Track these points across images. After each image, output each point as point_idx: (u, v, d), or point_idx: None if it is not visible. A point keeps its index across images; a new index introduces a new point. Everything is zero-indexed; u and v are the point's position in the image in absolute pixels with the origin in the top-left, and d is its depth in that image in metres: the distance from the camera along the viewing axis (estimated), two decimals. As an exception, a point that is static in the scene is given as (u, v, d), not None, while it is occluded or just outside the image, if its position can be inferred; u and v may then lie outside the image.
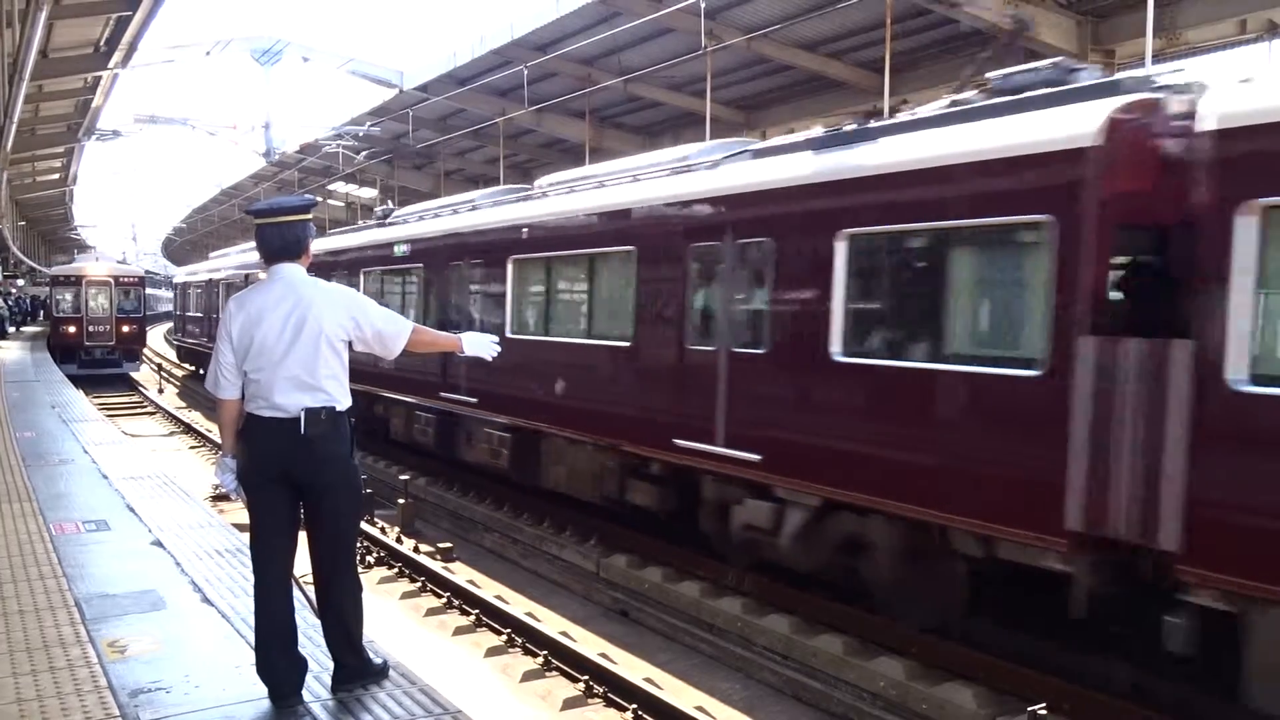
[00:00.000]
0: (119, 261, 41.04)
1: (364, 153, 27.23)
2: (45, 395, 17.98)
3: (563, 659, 8.00)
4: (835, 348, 7.59)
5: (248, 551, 4.54)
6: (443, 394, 13.52)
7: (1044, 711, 6.01)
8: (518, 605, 9.49)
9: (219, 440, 4.49)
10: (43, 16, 9.17)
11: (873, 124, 8.29)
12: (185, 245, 65.95)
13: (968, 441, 6.69)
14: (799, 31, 15.84)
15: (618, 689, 7.35)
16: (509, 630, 8.74)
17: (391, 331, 4.36)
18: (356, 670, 4.53)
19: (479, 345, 4.64)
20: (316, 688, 4.51)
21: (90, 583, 6.21)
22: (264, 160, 33.61)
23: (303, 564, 4.38)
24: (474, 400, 12.85)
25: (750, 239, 8.47)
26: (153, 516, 8.22)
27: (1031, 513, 6.23)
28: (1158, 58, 13.01)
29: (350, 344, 4.31)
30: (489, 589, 10.03)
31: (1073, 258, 6.06)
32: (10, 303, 48.80)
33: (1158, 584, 5.86)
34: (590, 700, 7.46)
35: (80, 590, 6.04)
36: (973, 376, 6.71)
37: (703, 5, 13.63)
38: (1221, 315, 5.36)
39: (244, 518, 4.46)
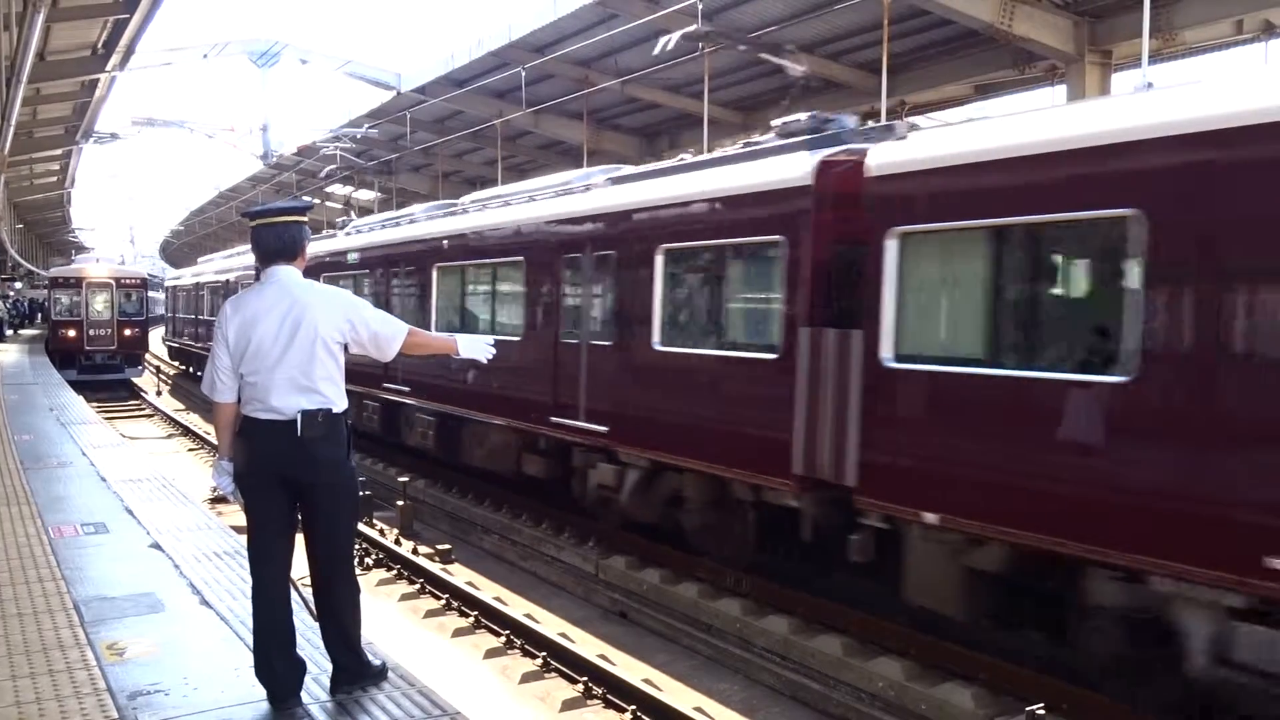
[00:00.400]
0: (120, 263, 39.95)
1: (364, 154, 27.25)
2: (43, 398, 17.97)
3: (562, 660, 8.01)
4: (656, 339, 9.54)
5: (245, 554, 4.54)
6: (385, 385, 15.15)
7: (1042, 712, 6.02)
8: (517, 607, 9.50)
9: (216, 443, 4.49)
10: (40, 19, 9.16)
11: (688, 159, 10.61)
12: (183, 248, 65.94)
13: (737, 411, 8.58)
14: (796, 33, 15.84)
15: (616, 690, 7.35)
16: (508, 632, 8.74)
17: (387, 334, 4.37)
18: (355, 672, 4.54)
19: (474, 348, 4.65)
20: (315, 689, 4.52)
21: (89, 585, 6.22)
22: (262, 162, 33.65)
23: (300, 566, 4.39)
24: (408, 390, 14.72)
25: (602, 251, 10.42)
26: (151, 519, 8.22)
27: (775, 463, 8.03)
28: (1154, 58, 13.05)
29: (346, 346, 4.32)
30: (488, 590, 10.04)
31: (795, 268, 7.98)
32: (8, 305, 48.78)
33: (850, 512, 7.59)
34: (589, 701, 7.46)
35: (79, 593, 6.04)
36: (739, 360, 8.71)
37: (700, 6, 13.63)
38: (877, 311, 7.19)
39: (242, 520, 4.47)
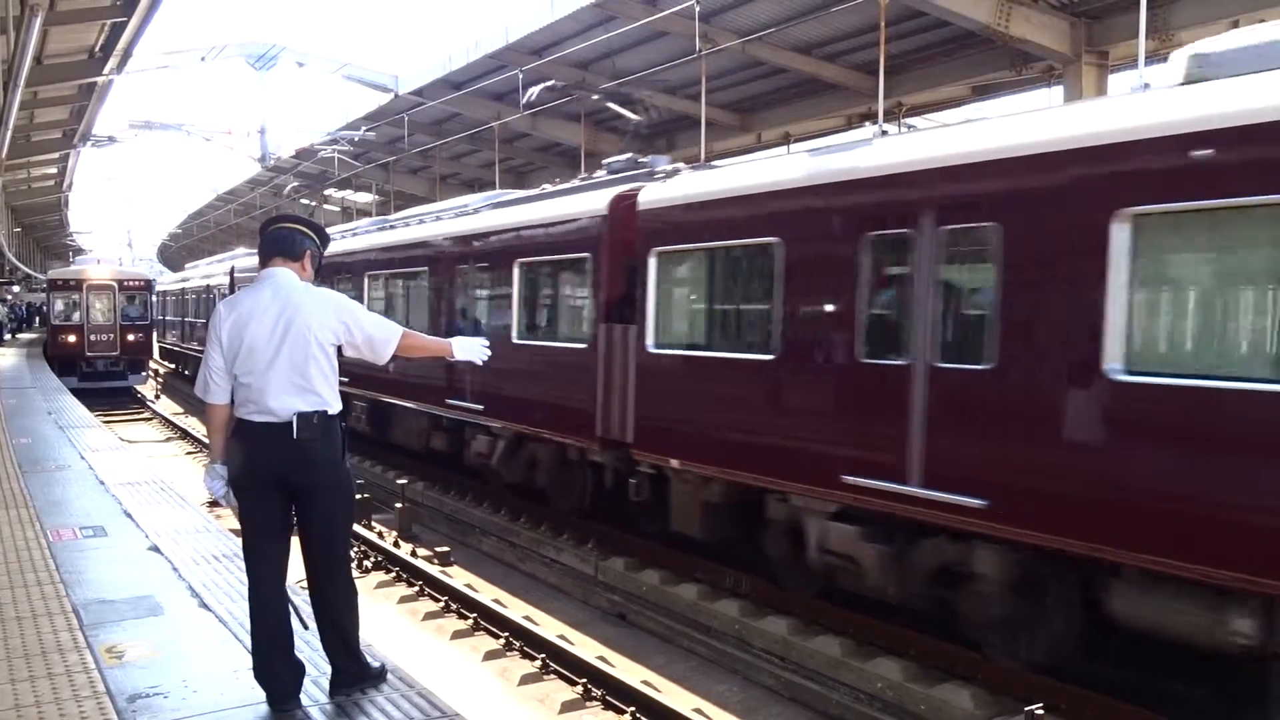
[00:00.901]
0: (121, 264, 37.69)
1: (362, 156, 27.25)
2: (41, 401, 17.96)
3: (561, 662, 8.01)
4: (514, 334, 12.02)
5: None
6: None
7: (1041, 712, 6.03)
8: (516, 609, 9.50)
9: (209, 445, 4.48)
10: (38, 22, 9.16)
11: (547, 188, 13.15)
12: (181, 251, 65.91)
13: (565, 389, 10.99)
14: (794, 34, 15.87)
15: (616, 691, 7.35)
16: (507, 633, 8.74)
17: (381, 337, 4.37)
18: (354, 674, 4.54)
19: (470, 349, 4.65)
20: (314, 692, 4.52)
21: (87, 589, 6.21)
22: (259, 165, 33.63)
23: (296, 570, 4.39)
24: (346, 380, 15.37)
25: (483, 264, 12.94)
26: (150, 522, 8.22)
27: (587, 428, 10.53)
28: (1151, 59, 13.04)
29: (340, 348, 4.33)
30: (487, 592, 10.04)
31: (597, 278, 10.54)
32: (6, 310, 48.74)
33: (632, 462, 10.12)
34: (588, 703, 7.46)
35: (77, 596, 6.04)
36: (566, 349, 11.11)
37: (697, 8, 13.65)
38: (644, 310, 9.79)
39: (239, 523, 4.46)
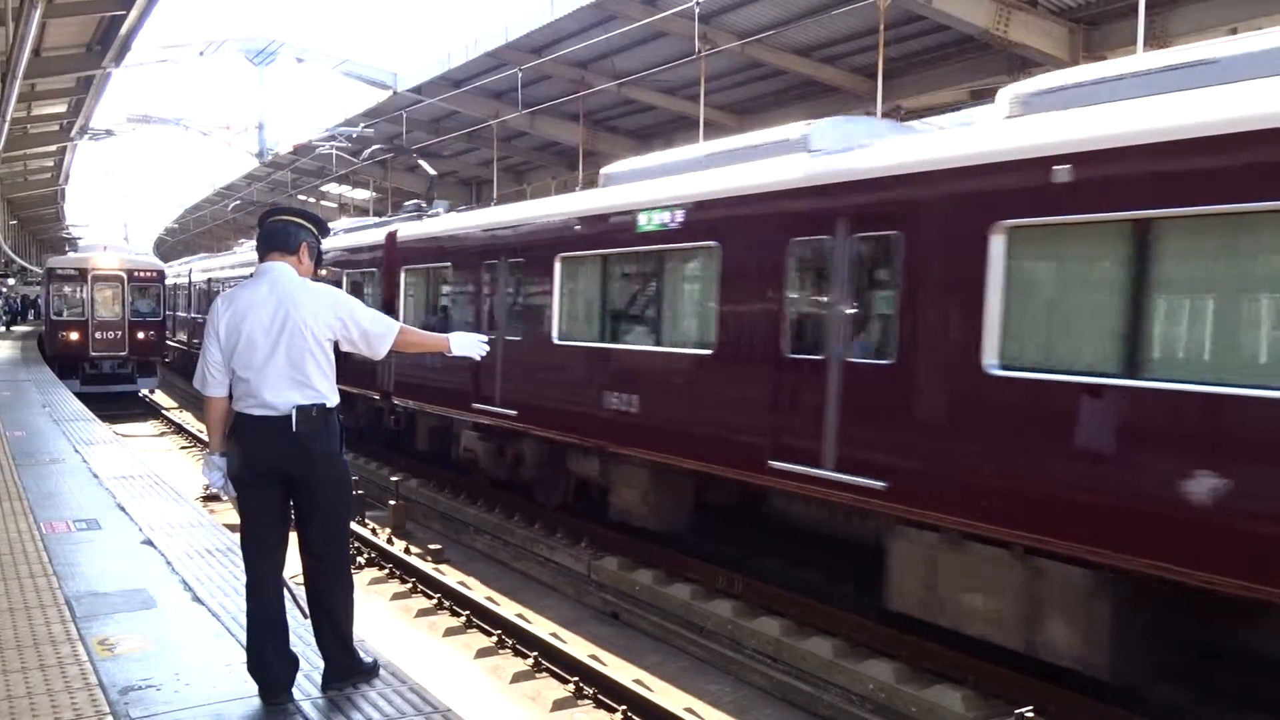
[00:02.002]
0: (131, 251, 31.91)
1: (364, 152, 27.19)
2: (36, 394, 17.93)
3: (553, 660, 8.02)
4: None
5: (238, 551, 4.54)
6: None
7: (1031, 714, 6.06)
8: (508, 607, 9.51)
9: (207, 439, 4.49)
10: (36, 14, 9.15)
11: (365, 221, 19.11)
12: (178, 245, 65.78)
13: (369, 363, 12.77)
14: (793, 36, 15.89)
15: (607, 690, 7.36)
16: (499, 631, 8.75)
17: (378, 332, 4.38)
18: (346, 669, 4.54)
19: (467, 345, 4.64)
20: (307, 686, 4.52)
21: (81, 581, 6.21)
22: (257, 161, 33.57)
23: (293, 564, 4.39)
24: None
25: (439, 263, 14.64)
26: (143, 516, 8.21)
27: (376, 386, 15.66)
28: (1149, 65, 13.07)
29: (336, 343, 4.33)
30: (479, 591, 10.05)
31: (384, 287, 15.77)
32: (2, 303, 48.62)
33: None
34: (580, 702, 7.47)
35: (70, 589, 6.04)
36: None
37: (697, 9, 13.66)
38: (398, 306, 15.27)
39: (235, 517, 4.47)
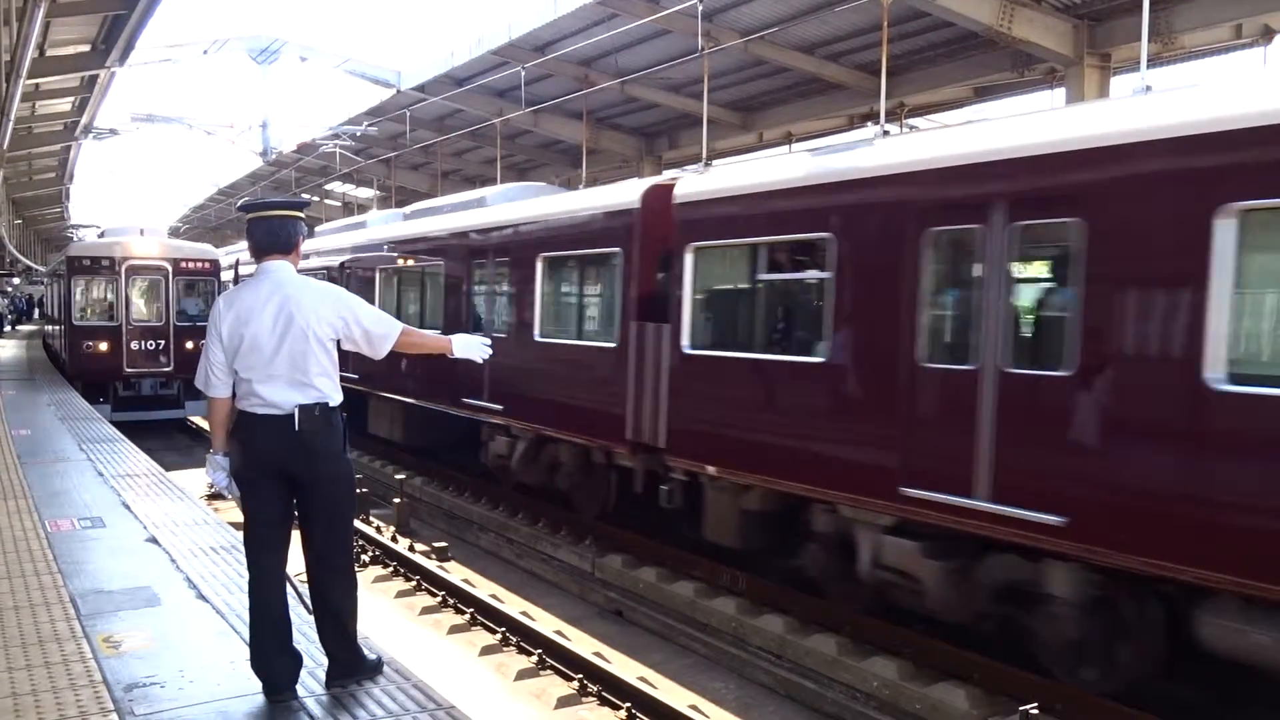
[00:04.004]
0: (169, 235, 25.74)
1: (363, 152, 27.20)
2: (41, 393, 17.96)
3: (557, 657, 8.02)
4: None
5: (242, 548, 4.55)
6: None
7: (1036, 711, 6.04)
8: (512, 604, 9.51)
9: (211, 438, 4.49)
10: (40, 14, 9.15)
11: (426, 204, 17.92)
12: (182, 245, 65.78)
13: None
14: (796, 34, 15.85)
15: (611, 688, 7.36)
16: (503, 629, 8.75)
17: (380, 333, 4.38)
18: (351, 665, 4.55)
19: (470, 347, 4.64)
20: (311, 683, 4.53)
21: (85, 579, 6.23)
22: (261, 160, 33.56)
23: (296, 562, 4.40)
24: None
25: (414, 265, 15.58)
26: (148, 514, 8.23)
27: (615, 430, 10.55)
28: (1154, 62, 13.05)
29: (339, 342, 4.33)
30: (484, 588, 10.05)
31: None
32: (6, 301, 48.71)
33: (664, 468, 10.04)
34: (584, 699, 7.47)
35: (75, 586, 6.05)
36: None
37: (700, 7, 13.64)
38: (679, 309, 9.57)
39: (239, 515, 4.48)
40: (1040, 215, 6.48)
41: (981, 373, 6.72)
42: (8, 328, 44.60)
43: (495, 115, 21.19)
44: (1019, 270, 6.74)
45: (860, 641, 8.00)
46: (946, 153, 7.22)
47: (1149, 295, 5.95)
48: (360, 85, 25.46)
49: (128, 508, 8.46)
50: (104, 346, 18.90)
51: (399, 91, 23.16)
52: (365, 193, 37.04)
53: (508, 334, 12.33)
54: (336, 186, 37.12)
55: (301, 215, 4.52)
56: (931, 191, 7.15)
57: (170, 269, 19.41)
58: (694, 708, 7.08)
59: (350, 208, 38.10)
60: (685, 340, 9.47)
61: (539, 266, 11.96)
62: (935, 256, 7.15)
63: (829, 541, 8.24)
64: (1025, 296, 6.83)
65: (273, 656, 4.34)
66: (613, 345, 10.52)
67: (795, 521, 8.59)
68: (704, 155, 15.89)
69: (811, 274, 8.38)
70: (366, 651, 4.71)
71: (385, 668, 4.73)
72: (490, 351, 4.71)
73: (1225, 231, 5.47)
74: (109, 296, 19.36)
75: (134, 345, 19.00)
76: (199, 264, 19.97)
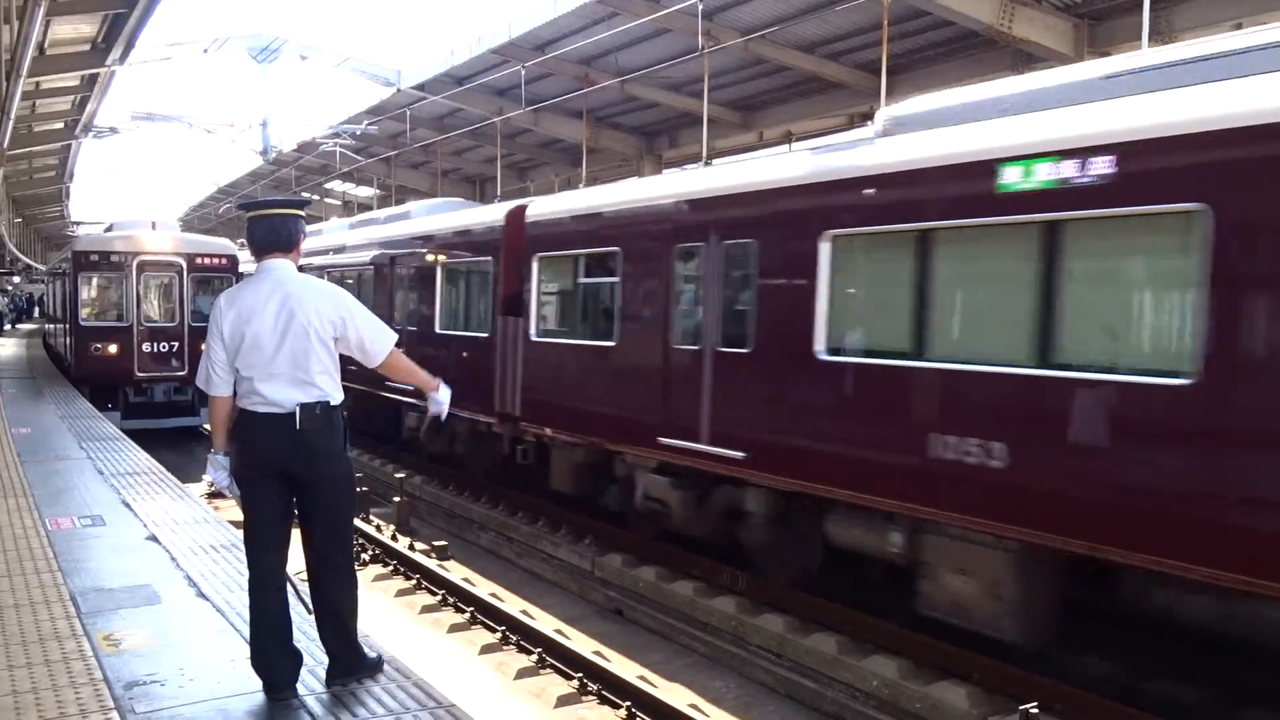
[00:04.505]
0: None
1: (363, 151, 27.19)
2: (41, 391, 17.96)
3: (557, 656, 8.02)
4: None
5: (242, 547, 4.56)
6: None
7: (1036, 710, 6.04)
8: (512, 603, 9.51)
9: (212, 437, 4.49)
10: (41, 12, 9.15)
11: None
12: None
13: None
14: (796, 33, 15.86)
15: (611, 687, 7.36)
16: (503, 628, 8.75)
17: (373, 345, 4.37)
18: (351, 664, 4.55)
19: (444, 400, 4.62)
20: (311, 681, 4.53)
21: (86, 577, 6.23)
22: (261, 158, 33.57)
23: (297, 561, 4.40)
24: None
25: (384, 264, 16.49)
26: (148, 512, 8.24)
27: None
28: (1153, 61, 13.00)
29: (336, 341, 4.31)
30: (484, 587, 10.05)
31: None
32: (6, 300, 48.70)
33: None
34: (584, 698, 7.47)
35: (75, 584, 6.06)
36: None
37: (700, 6, 13.65)
38: (528, 305, 11.86)
39: (239, 514, 4.48)
40: (736, 237, 8.81)
41: (704, 351, 9.05)
42: (8, 326, 44.58)
43: (495, 114, 21.21)
44: (725, 276, 8.94)
45: (860, 640, 8.00)
46: (685, 190, 9.69)
47: (783, 295, 8.27)
48: (360, 84, 25.54)
49: (128, 506, 8.47)
50: (113, 349, 17.70)
51: (399, 90, 23.19)
52: (365, 191, 37.05)
53: (417, 327, 14.91)
54: (337, 185, 37.14)
55: (302, 214, 4.52)
56: (679, 218, 9.54)
57: (184, 265, 18.08)
58: (694, 706, 7.08)
59: (351, 206, 38.11)
60: (532, 330, 11.83)
61: (439, 272, 14.55)
62: (680, 266, 9.49)
63: (623, 483, 10.62)
64: (727, 296, 8.97)
65: (273, 655, 4.34)
66: (486, 335, 12.85)
67: (609, 470, 10.83)
68: (704, 154, 15.90)
69: (606, 279, 10.64)
70: (367, 650, 4.72)
71: (385, 665, 4.74)
72: (445, 407, 4.66)
73: (825, 251, 7.82)
74: (119, 295, 17.98)
75: (146, 347, 17.77)
76: (215, 260, 18.77)
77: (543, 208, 12.16)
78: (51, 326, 27.05)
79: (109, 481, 9.55)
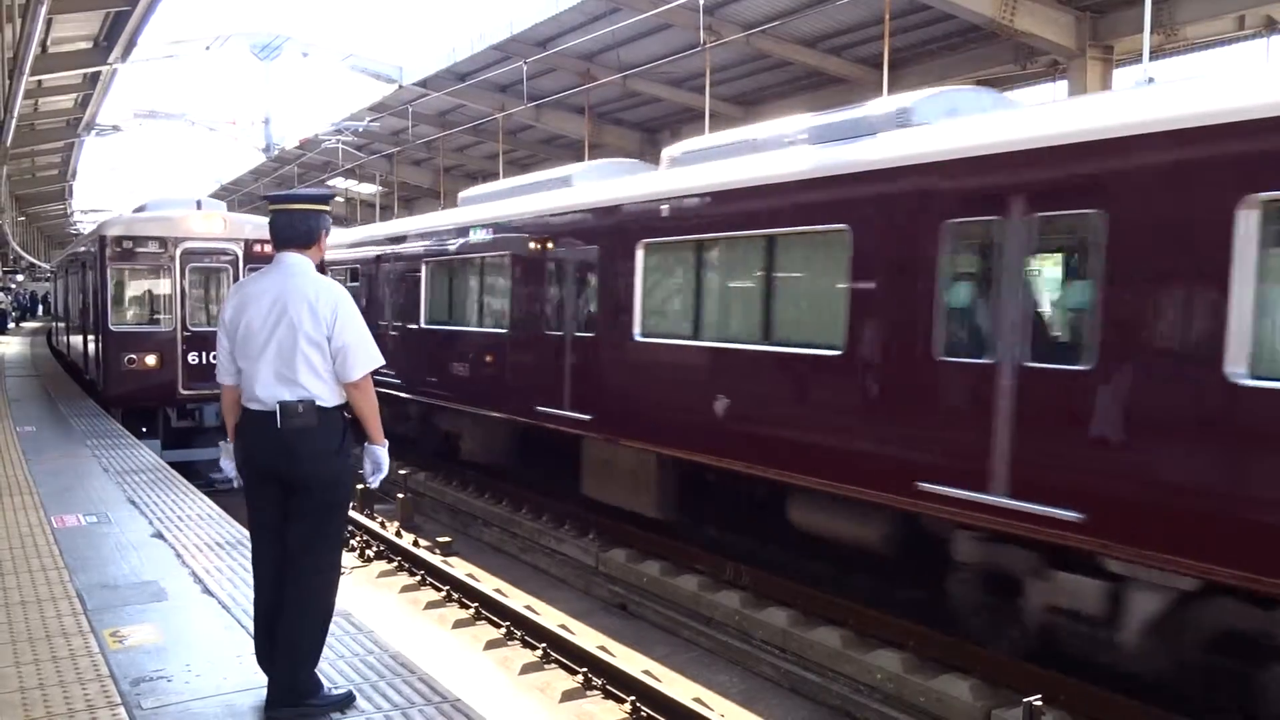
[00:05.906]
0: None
1: (365, 147, 27.21)
2: (46, 389, 18.00)
3: (562, 651, 8.03)
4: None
5: (248, 544, 4.56)
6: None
7: (1040, 703, 6.05)
8: (517, 599, 9.53)
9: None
10: (43, 11, 9.15)
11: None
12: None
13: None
14: (798, 27, 15.85)
15: (616, 681, 7.37)
16: (508, 623, 8.77)
17: (355, 357, 4.13)
18: (291, 690, 4.16)
19: (384, 460, 4.35)
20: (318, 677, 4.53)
21: (91, 574, 6.26)
22: (264, 155, 33.61)
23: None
24: None
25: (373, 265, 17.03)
26: (153, 509, 8.27)
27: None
28: (1156, 54, 13.03)
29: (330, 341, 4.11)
30: (488, 582, 10.08)
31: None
32: (10, 298, 48.75)
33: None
34: (589, 693, 7.49)
35: (81, 581, 6.08)
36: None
37: (701, 1, 13.64)
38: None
39: (244, 511, 4.48)
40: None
41: (601, 338, 10.58)
42: (11, 325, 44.66)
43: (497, 110, 21.22)
44: (606, 274, 10.46)
45: (864, 634, 8.01)
46: (598, 198, 10.86)
47: (616, 289, 10.22)
48: (362, 81, 25.46)
49: (133, 503, 8.49)
50: (152, 360, 13.90)
51: (401, 87, 23.18)
52: (368, 188, 37.07)
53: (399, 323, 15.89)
54: (339, 182, 37.13)
55: (326, 209, 4.42)
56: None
57: (240, 253, 14.17)
58: (698, 700, 7.09)
59: (353, 204, 38.13)
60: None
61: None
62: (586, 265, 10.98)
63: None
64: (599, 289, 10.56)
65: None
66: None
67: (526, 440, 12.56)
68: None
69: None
70: (327, 683, 4.38)
71: (391, 659, 4.73)
72: (385, 474, 4.43)
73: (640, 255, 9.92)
74: (159, 291, 14.25)
75: (193, 359, 13.85)
76: None
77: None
78: (64, 329, 22.83)
79: (114, 479, 9.57)
